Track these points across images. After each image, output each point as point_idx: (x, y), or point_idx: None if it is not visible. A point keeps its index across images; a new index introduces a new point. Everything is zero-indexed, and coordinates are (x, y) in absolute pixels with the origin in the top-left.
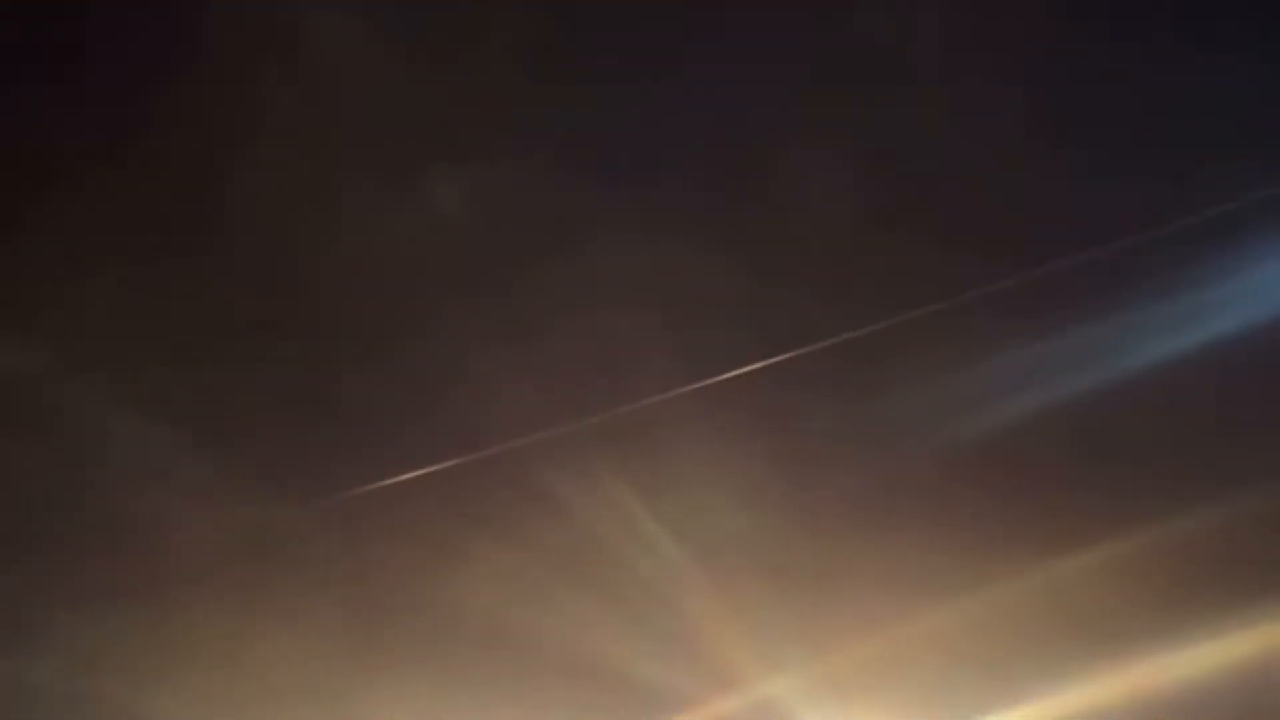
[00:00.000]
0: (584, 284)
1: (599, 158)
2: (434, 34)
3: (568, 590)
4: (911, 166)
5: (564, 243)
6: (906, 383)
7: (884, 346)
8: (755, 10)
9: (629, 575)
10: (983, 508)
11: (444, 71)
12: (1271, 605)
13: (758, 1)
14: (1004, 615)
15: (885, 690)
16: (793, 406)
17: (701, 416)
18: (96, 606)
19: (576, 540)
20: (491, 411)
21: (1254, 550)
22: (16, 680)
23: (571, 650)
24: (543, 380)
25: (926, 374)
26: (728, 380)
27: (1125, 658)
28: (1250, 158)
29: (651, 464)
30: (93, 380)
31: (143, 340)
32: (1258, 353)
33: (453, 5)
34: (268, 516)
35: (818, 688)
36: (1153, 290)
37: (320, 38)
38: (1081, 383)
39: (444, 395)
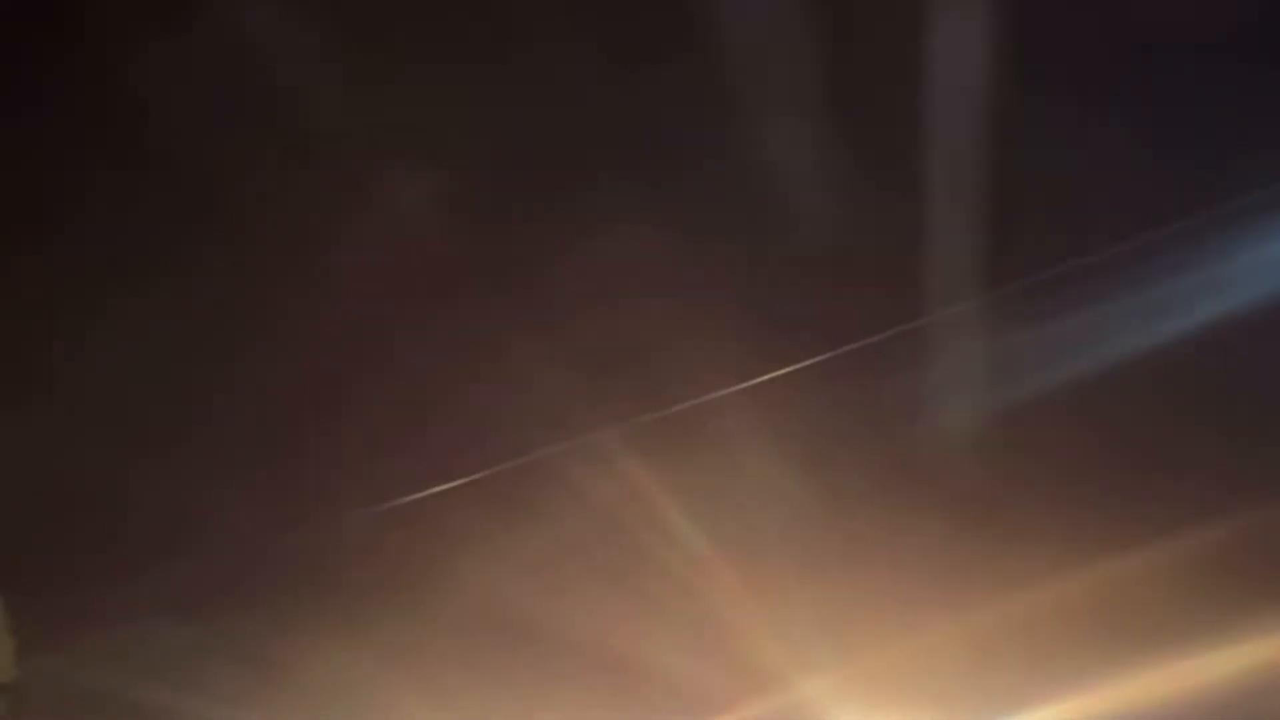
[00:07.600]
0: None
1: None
2: None
3: (598, 588)
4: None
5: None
6: (936, 380)
7: (910, 345)
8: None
9: (660, 573)
10: (1013, 508)
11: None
12: None
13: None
14: (1035, 615)
15: (915, 690)
16: (824, 407)
17: (732, 418)
18: (147, 617)
19: (607, 538)
20: (522, 415)
21: None
22: (67, 684)
23: (602, 648)
24: (573, 383)
25: (957, 371)
26: (759, 383)
27: (1158, 657)
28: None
29: (682, 464)
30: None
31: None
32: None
33: None
34: (304, 528)
35: (848, 686)
36: (1182, 276)
37: None
38: (1110, 375)
39: (474, 400)
